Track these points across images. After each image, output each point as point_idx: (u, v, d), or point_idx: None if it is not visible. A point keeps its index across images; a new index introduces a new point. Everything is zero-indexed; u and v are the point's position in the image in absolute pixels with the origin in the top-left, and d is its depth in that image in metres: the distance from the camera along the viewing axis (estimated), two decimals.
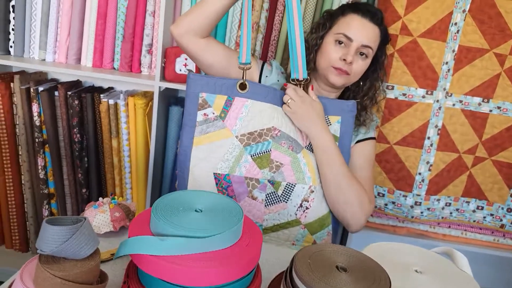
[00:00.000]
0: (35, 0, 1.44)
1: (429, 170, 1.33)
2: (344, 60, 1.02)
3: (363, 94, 1.12)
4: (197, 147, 0.97)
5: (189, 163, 0.98)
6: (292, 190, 0.99)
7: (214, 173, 0.97)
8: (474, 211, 1.38)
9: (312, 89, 1.03)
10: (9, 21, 1.46)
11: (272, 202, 0.99)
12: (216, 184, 0.97)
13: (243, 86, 0.98)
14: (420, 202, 1.35)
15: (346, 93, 1.16)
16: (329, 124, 1.03)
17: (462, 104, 1.31)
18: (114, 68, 1.47)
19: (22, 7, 1.44)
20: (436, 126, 1.32)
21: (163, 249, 0.55)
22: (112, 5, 1.42)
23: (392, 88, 1.29)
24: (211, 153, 0.97)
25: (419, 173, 1.33)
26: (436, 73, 1.28)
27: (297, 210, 1.00)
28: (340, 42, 1.03)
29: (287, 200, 0.99)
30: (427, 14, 1.25)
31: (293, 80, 1.00)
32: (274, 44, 1.40)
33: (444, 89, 1.30)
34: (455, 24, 1.26)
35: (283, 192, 0.99)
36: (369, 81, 1.12)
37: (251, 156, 0.98)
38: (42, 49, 1.48)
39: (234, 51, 1.07)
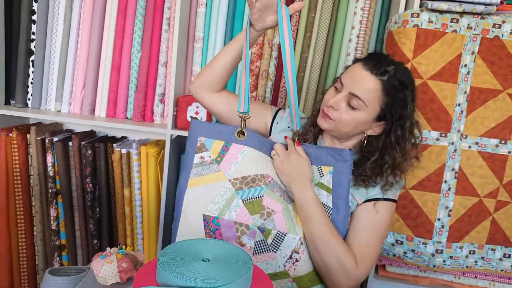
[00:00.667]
0: (53, 54, 1.51)
1: (449, 215, 1.28)
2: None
3: (375, 158, 1.03)
4: (191, 189, 0.98)
5: (182, 204, 0.98)
6: (283, 239, 0.96)
7: (203, 215, 0.96)
8: (501, 259, 1.30)
9: (298, 144, 1.01)
10: (28, 75, 1.52)
11: (261, 250, 0.96)
12: (205, 226, 0.96)
13: (241, 134, 1.00)
14: (442, 250, 1.28)
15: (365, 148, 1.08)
16: (322, 175, 1.01)
17: (479, 146, 1.28)
18: (127, 118, 1.51)
19: (41, 60, 1.51)
20: (453, 169, 1.28)
21: None
22: (126, 57, 1.47)
23: None
24: (203, 195, 0.97)
25: (438, 219, 1.27)
26: (449, 115, 1.26)
27: (286, 261, 0.96)
28: (336, 88, 1.02)
29: (277, 250, 0.95)
30: (436, 56, 1.25)
31: (294, 133, 1.02)
32: (284, 90, 1.41)
33: (459, 131, 1.28)
34: (465, 65, 1.26)
35: (273, 241, 0.96)
36: (383, 145, 1.02)
37: (243, 201, 0.96)
38: (58, 101, 1.53)
39: None
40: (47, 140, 1.45)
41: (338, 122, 1.00)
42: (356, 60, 1.03)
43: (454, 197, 1.28)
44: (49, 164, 1.45)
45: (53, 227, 1.47)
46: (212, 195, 0.97)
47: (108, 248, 0.88)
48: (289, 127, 1.11)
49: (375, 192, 1.04)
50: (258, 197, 0.97)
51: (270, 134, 1.14)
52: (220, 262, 0.60)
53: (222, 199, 0.96)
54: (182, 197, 0.98)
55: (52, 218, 1.46)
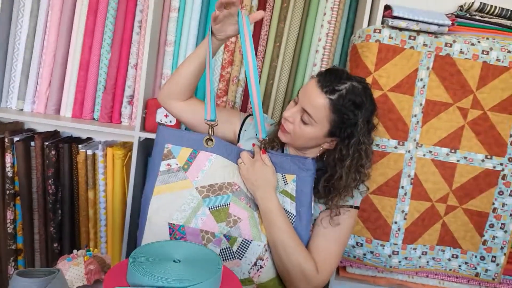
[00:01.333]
0: (17, 51, 1.46)
1: (405, 219, 1.36)
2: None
3: (328, 175, 1.04)
4: (157, 196, 0.98)
5: (147, 211, 0.97)
6: (248, 247, 0.97)
7: (169, 223, 0.96)
8: (449, 259, 1.40)
9: (264, 153, 1.03)
10: None
11: (226, 258, 0.97)
12: (170, 234, 0.96)
13: (209, 141, 1.01)
14: (398, 251, 1.36)
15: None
16: (286, 183, 1.03)
17: (432, 154, 1.38)
18: (94, 119, 1.48)
19: (3, 57, 1.46)
20: (409, 176, 1.37)
21: None
22: (95, 57, 1.45)
23: None
24: (169, 203, 0.97)
25: (395, 222, 1.35)
26: (406, 125, 1.36)
27: (251, 268, 0.97)
28: (295, 102, 1.04)
29: (242, 257, 0.97)
30: (396, 70, 1.33)
31: (259, 141, 1.05)
32: (258, 71, 1.45)
33: (415, 140, 1.37)
34: (421, 79, 1.36)
35: (238, 249, 0.97)
36: (336, 161, 1.03)
37: (209, 209, 0.97)
38: (21, 99, 1.47)
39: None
40: (6, 140, 1.39)
41: (293, 135, 1.02)
42: (315, 75, 1.05)
43: (409, 202, 1.37)
44: (8, 164, 1.39)
45: (9, 230, 1.40)
46: (178, 203, 0.97)
47: (75, 250, 0.87)
48: (256, 134, 1.13)
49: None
50: (225, 205, 0.98)
51: (238, 141, 1.15)
52: (190, 263, 0.61)
53: (189, 207, 0.96)
54: (148, 205, 0.97)
55: (8, 221, 1.40)
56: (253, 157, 1.03)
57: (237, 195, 0.99)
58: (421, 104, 1.36)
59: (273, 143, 1.10)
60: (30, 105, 1.47)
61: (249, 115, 1.17)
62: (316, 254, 1.00)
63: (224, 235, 0.96)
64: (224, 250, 0.96)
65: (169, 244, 0.67)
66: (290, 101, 1.12)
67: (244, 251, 0.97)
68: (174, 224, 0.95)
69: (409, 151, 1.36)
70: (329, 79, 0.98)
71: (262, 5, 1.45)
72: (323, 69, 1.46)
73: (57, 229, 1.40)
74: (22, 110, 1.47)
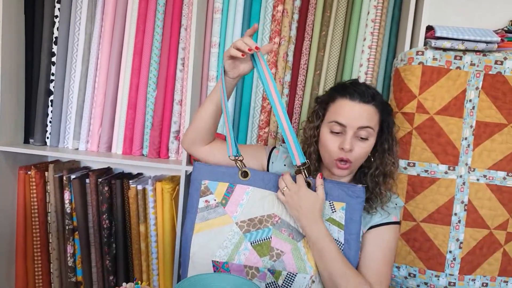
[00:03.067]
0: (72, 94, 1.56)
1: (460, 247, 1.30)
2: (342, 149, 0.99)
3: (373, 170, 1.07)
4: (197, 234, 0.98)
5: (189, 250, 0.98)
6: (293, 280, 0.96)
7: (212, 261, 0.96)
8: None
9: (321, 177, 1.01)
10: (47, 115, 1.58)
11: None
12: (214, 272, 0.96)
13: (245, 174, 1.02)
14: (455, 283, 1.30)
15: (359, 170, 1.11)
16: (333, 210, 1.01)
17: (487, 178, 1.31)
18: (143, 155, 1.55)
19: (60, 100, 1.57)
20: (462, 202, 1.30)
21: None
22: (142, 96, 1.52)
23: (414, 165, 1.30)
24: (210, 240, 0.97)
25: (450, 251, 1.29)
26: (456, 149, 1.30)
27: None
28: (336, 132, 1.01)
29: None
30: (442, 92, 1.29)
31: (298, 167, 1.02)
32: (294, 126, 1.46)
33: (466, 164, 1.31)
34: (470, 100, 1.30)
35: (283, 282, 0.96)
36: (379, 155, 1.07)
37: (251, 244, 0.97)
38: (76, 139, 1.57)
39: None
40: (64, 178, 1.49)
41: (355, 161, 1.01)
42: (334, 96, 1.04)
43: (464, 229, 1.30)
44: (67, 201, 1.49)
45: (70, 263, 1.49)
46: (219, 239, 0.97)
47: (124, 284, 0.90)
48: (285, 165, 1.12)
49: (377, 218, 1.06)
50: (266, 238, 0.98)
51: None
52: None
53: (230, 243, 0.97)
54: (189, 243, 0.98)
55: (69, 254, 1.49)
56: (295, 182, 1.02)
57: (277, 228, 0.99)
58: (471, 126, 1.30)
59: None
60: (85, 144, 1.57)
61: (273, 148, 1.17)
62: (369, 277, 0.99)
63: (268, 269, 0.96)
64: (269, 285, 0.96)
65: (212, 277, 0.67)
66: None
67: (289, 285, 0.96)
68: (217, 261, 0.96)
69: (460, 176, 1.30)
70: (356, 91, 1.01)
71: (300, 36, 1.46)
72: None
73: (112, 262, 1.47)
74: (77, 149, 1.57)
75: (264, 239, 0.98)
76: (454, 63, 1.27)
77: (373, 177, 1.06)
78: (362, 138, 1.00)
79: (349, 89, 1.02)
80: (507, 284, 1.31)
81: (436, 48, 1.27)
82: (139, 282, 0.91)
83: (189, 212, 1.01)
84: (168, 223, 1.46)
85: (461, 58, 1.27)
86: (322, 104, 1.07)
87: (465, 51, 1.27)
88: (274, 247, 0.97)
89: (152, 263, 1.47)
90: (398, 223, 1.08)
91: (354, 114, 0.99)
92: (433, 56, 1.27)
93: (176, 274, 1.44)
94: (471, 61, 1.27)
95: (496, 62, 1.27)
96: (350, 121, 0.99)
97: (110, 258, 1.46)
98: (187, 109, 1.42)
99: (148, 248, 1.47)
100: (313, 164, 1.07)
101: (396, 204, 1.10)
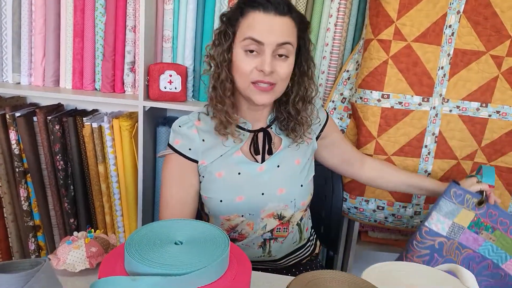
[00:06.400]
0: (5, 19, 1.35)
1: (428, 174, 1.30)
2: (262, 71, 0.85)
3: (294, 96, 0.94)
4: None
5: None
6: None
7: None
8: None
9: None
10: None
11: None
12: None
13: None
14: (420, 212, 1.32)
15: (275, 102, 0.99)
16: None
17: (460, 109, 1.27)
18: (96, 89, 1.40)
19: None
20: (433, 134, 1.28)
21: None
22: (89, 21, 1.33)
23: (388, 96, 1.24)
24: None
25: None
26: (431, 79, 1.24)
27: None
28: (251, 51, 0.86)
29: None
30: (420, 17, 1.20)
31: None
32: None
33: (441, 95, 1.26)
34: (450, 26, 1.22)
35: None
36: (297, 79, 0.94)
37: None
38: (16, 72, 1.39)
39: None
40: (7, 116, 1.33)
41: (279, 84, 0.88)
42: (243, 9, 0.87)
43: (433, 161, 1.29)
44: (13, 141, 1.35)
45: (25, 207, 1.40)
46: None
47: (75, 232, 0.83)
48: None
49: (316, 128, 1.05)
50: None
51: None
52: (193, 244, 0.56)
53: None
54: None
55: (22, 198, 1.39)
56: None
57: None
58: (448, 55, 1.23)
59: (229, 120, 0.91)
60: (27, 77, 1.39)
61: (168, 143, 0.99)
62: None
63: None
64: None
65: (171, 224, 0.61)
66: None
67: None
68: None
69: (434, 108, 1.26)
70: (270, 1, 0.85)
71: None
72: (331, 21, 1.32)
73: (71, 204, 1.39)
74: (19, 83, 1.40)
75: None
76: None
77: (294, 104, 0.94)
78: (281, 56, 0.86)
79: (257, 1, 0.85)
80: None
81: None
82: (92, 230, 0.83)
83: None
84: (129, 162, 1.37)
85: None
86: (230, 21, 0.89)
87: None
88: None
89: (114, 204, 1.40)
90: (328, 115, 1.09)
91: (271, 28, 0.84)
92: None
93: (140, 214, 1.38)
94: None
95: None
96: (267, 37, 0.84)
97: (68, 201, 1.38)
98: (141, 36, 1.26)
99: (109, 189, 1.39)
100: (228, 98, 0.90)
101: (317, 115, 1.03)
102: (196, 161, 0.94)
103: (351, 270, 1.36)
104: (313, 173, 1.06)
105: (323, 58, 1.34)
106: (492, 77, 1.24)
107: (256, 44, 0.84)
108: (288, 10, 0.86)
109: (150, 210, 1.46)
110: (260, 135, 0.98)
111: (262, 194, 0.96)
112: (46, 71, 1.38)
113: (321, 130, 1.06)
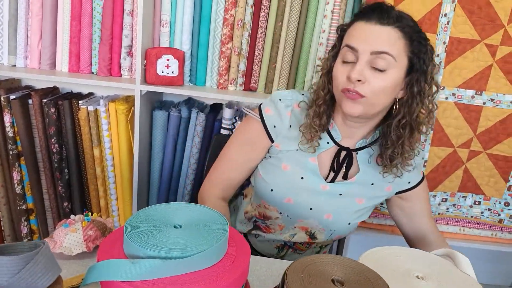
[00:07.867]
0: (1, 1, 1.34)
1: (424, 166, 1.30)
2: (349, 78, 0.80)
3: (400, 118, 0.85)
4: None
5: None
6: None
7: None
8: (471, 206, 1.36)
9: None
10: None
11: None
12: None
13: None
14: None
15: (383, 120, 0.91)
16: None
17: (455, 97, 1.29)
18: (92, 73, 1.39)
19: None
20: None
21: (135, 274, 0.48)
22: (87, 5, 1.33)
23: None
24: None
25: None
26: None
27: None
28: (348, 62, 0.82)
29: None
30: (417, 5, 1.21)
31: None
32: (261, 41, 1.34)
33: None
34: (445, 15, 1.23)
35: None
36: (406, 100, 0.84)
37: None
38: (12, 54, 1.38)
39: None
40: (2, 98, 1.32)
41: (371, 97, 0.80)
42: (354, 19, 0.86)
43: (430, 148, 1.30)
44: (7, 124, 1.33)
45: (18, 190, 1.38)
46: None
47: (72, 215, 0.82)
48: (290, 125, 0.92)
49: (404, 182, 0.97)
50: None
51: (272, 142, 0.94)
52: (192, 228, 0.56)
53: None
54: None
55: (15, 181, 1.37)
56: None
57: None
58: (444, 43, 1.25)
59: (311, 130, 0.88)
60: (23, 60, 1.38)
61: (259, 107, 0.95)
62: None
63: None
64: None
65: (170, 208, 0.60)
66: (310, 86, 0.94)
67: None
68: None
69: None
70: (374, 10, 0.82)
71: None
72: (325, 22, 1.30)
73: (66, 188, 1.37)
74: (14, 66, 1.38)
75: None
76: None
77: (398, 128, 0.85)
78: (376, 69, 0.80)
79: (367, 9, 0.84)
80: (465, 200, 1.36)
81: None
82: (89, 213, 0.82)
83: None
84: (124, 146, 1.36)
85: None
86: (341, 32, 0.88)
87: None
88: None
89: (109, 187, 1.39)
90: (423, 178, 1.00)
91: (368, 35, 0.80)
92: None
93: (135, 198, 1.37)
94: None
95: None
96: (361, 44, 0.80)
97: (63, 184, 1.36)
98: (139, 20, 1.26)
99: (104, 173, 1.38)
100: (325, 104, 0.88)
101: (422, 158, 1.00)
102: (272, 141, 0.93)
103: (347, 254, 1.36)
104: (366, 218, 1.00)
105: (319, 58, 1.35)
106: (487, 65, 1.26)
107: (351, 51, 0.81)
108: (394, 20, 0.80)
109: (145, 194, 1.45)
110: (343, 154, 0.92)
111: (310, 209, 0.94)
112: (43, 54, 1.37)
113: (407, 190, 0.97)
